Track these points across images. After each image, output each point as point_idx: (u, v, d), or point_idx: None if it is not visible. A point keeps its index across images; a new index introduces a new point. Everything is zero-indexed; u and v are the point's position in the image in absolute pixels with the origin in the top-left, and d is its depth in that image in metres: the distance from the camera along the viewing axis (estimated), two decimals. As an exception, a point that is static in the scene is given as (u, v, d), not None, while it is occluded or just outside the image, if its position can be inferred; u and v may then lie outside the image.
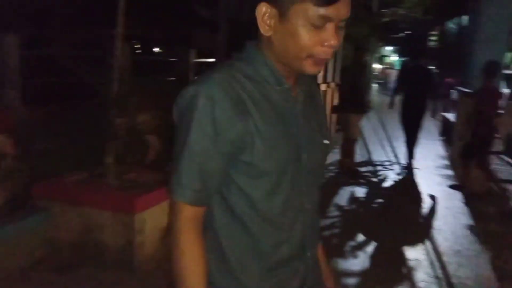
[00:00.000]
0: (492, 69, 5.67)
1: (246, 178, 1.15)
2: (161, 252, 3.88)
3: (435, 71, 32.86)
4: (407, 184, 6.56)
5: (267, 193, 1.16)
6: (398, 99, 7.55)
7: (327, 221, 4.85)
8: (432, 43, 39.85)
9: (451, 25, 36.75)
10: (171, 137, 4.08)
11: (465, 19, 35.66)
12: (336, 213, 5.14)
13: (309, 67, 1.11)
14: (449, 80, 21.28)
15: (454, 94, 18.04)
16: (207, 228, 1.20)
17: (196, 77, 7.16)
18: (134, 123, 4.66)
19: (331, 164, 7.02)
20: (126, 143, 4.32)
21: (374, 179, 6.79)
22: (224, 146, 1.10)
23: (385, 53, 38.28)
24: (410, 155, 7.35)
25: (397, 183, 6.58)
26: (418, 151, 8.55)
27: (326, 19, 1.05)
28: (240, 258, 1.19)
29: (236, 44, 1.32)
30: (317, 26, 1.05)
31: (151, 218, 3.72)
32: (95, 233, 3.62)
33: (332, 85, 8.32)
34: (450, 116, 10.37)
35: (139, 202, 3.58)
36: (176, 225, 1.16)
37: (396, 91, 7.75)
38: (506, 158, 8.02)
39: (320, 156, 1.29)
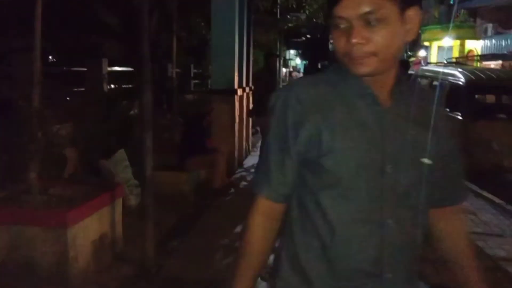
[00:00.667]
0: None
1: (317, 180, 1.17)
2: (95, 265, 3.80)
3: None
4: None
5: (336, 199, 1.15)
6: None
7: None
8: (331, 46, 41.98)
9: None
10: (87, 149, 3.99)
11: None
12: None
13: (351, 66, 1.12)
14: None
15: None
16: (285, 227, 1.28)
17: (110, 87, 6.86)
18: (50, 136, 4.49)
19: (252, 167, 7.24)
20: (44, 158, 4.15)
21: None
22: (296, 147, 1.17)
23: (289, 57, 39.52)
24: None
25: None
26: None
27: (340, 18, 1.09)
28: (311, 261, 1.21)
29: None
30: (338, 26, 1.11)
31: (83, 232, 3.63)
32: (24, 251, 3.45)
33: (247, 89, 8.54)
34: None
35: (70, 216, 3.48)
36: (251, 211, 1.29)
37: None
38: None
39: (415, 173, 1.18)
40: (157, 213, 4.02)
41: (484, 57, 17.37)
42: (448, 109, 8.53)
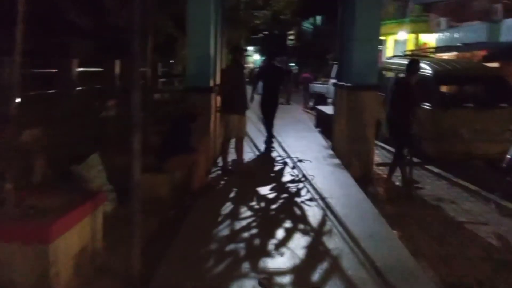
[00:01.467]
0: (414, 67, 6.21)
1: None
2: (77, 281, 3.44)
3: (294, 67, 34.73)
4: (301, 178, 6.70)
5: None
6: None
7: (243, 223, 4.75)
8: (290, 42, 42.20)
9: (307, 25, 39.35)
10: (58, 154, 3.60)
11: (318, 19, 38.11)
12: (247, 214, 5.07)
13: None
14: (306, 75, 22.78)
15: (314, 88, 19.50)
16: None
17: (80, 88, 6.40)
18: (18, 142, 4.10)
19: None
20: (12, 165, 3.76)
21: (269, 174, 6.85)
22: None
23: (249, 53, 39.34)
24: (270, 134, 8.60)
25: (292, 179, 6.68)
26: (304, 144, 8.93)
27: None
28: None
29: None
30: None
31: (65, 246, 3.28)
32: (1, 271, 3.07)
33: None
34: (325, 109, 10.99)
35: (51, 230, 3.11)
36: None
37: (254, 87, 8.63)
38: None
39: None
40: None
41: (438, 49, 17.68)
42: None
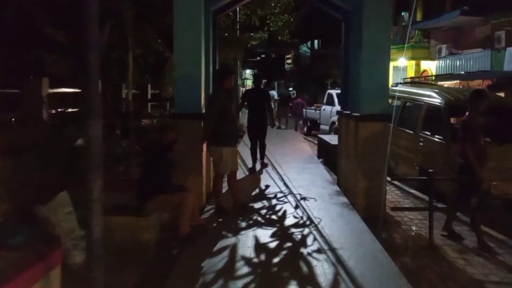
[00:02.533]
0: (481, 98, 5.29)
1: None
2: None
3: (291, 91, 34.25)
4: (306, 221, 5.83)
5: None
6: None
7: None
8: (288, 66, 41.76)
9: (304, 48, 38.91)
10: (20, 192, 2.60)
11: (316, 42, 37.71)
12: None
13: None
14: (298, 100, 22.07)
15: (307, 113, 18.94)
16: None
17: (51, 111, 5.47)
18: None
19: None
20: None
21: (269, 215, 5.97)
22: None
23: (245, 76, 38.85)
24: (254, 160, 8.77)
25: (296, 221, 5.81)
26: (308, 178, 8.07)
27: None
28: None
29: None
30: None
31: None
32: None
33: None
34: (328, 139, 10.17)
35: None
36: None
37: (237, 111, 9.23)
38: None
39: None
40: (111, 271, 2.85)
41: (439, 77, 17.06)
42: (428, 132, 7.86)
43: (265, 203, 6.49)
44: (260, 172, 8.70)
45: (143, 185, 4.72)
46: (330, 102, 16.41)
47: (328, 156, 9.57)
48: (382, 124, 5.96)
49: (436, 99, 7.69)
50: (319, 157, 10.70)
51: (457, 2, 17.25)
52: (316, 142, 12.20)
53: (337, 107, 15.38)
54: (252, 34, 13.19)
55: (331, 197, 6.75)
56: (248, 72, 40.62)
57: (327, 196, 6.84)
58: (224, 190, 6.16)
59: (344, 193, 6.89)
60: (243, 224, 5.46)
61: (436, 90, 8.14)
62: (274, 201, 6.58)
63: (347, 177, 6.90)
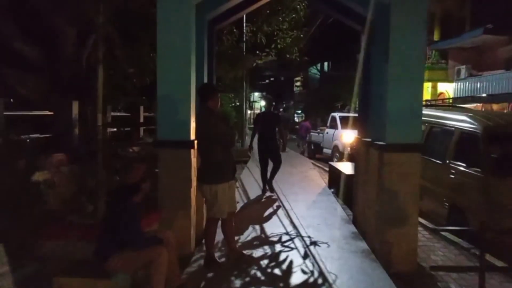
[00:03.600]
0: None
1: None
2: None
3: (300, 114, 33.19)
4: (318, 279, 4.61)
5: None
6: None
7: None
8: (297, 89, 40.76)
9: (314, 70, 37.92)
10: None
11: (326, 64, 36.84)
12: None
13: None
14: (305, 123, 21.07)
15: (311, 137, 18.13)
16: None
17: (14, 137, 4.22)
18: None
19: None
20: None
21: (271, 269, 4.76)
22: None
23: (254, 99, 38.03)
24: (265, 185, 8.64)
25: (305, 279, 4.60)
26: (318, 214, 6.88)
27: None
28: None
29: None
30: None
31: None
32: None
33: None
34: (341, 167, 8.97)
35: None
36: None
37: (253, 134, 8.91)
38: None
39: None
40: None
41: (458, 99, 15.89)
42: (461, 163, 6.63)
43: (267, 249, 5.25)
44: (266, 203, 7.79)
45: (103, 238, 3.56)
46: (334, 126, 15.99)
47: (340, 186, 8.36)
48: (414, 156, 4.78)
49: (471, 125, 6.49)
50: (330, 187, 9.48)
51: (477, 22, 16.21)
52: (327, 169, 11.04)
53: (340, 131, 14.64)
54: (257, 52, 12.14)
55: (347, 242, 5.52)
56: (256, 94, 39.71)
57: (343, 240, 5.61)
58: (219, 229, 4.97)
59: (363, 236, 5.68)
60: (238, 283, 4.25)
61: (470, 114, 6.94)
62: (278, 247, 5.35)
63: (366, 216, 5.69)
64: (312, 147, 18.40)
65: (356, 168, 6.56)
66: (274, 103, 11.71)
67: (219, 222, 4.78)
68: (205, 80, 5.93)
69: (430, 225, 6.46)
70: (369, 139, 5.64)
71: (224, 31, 10.54)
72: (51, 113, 5.55)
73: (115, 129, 7.43)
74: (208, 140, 4.51)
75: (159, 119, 4.83)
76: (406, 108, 4.79)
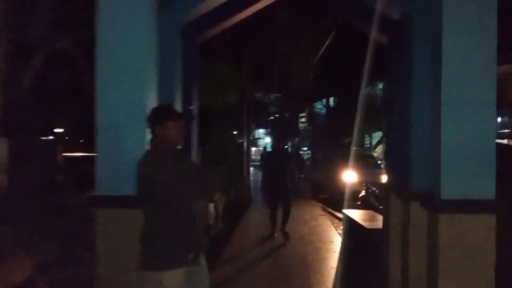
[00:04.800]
0: None
1: None
2: None
3: (306, 151, 31.65)
4: None
5: None
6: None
7: None
8: (302, 125, 39.26)
9: (319, 106, 36.51)
10: None
11: (330, 100, 35.57)
12: None
13: None
14: None
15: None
16: None
17: None
18: None
19: None
20: None
21: None
22: None
23: (258, 136, 36.67)
24: (274, 224, 7.98)
25: None
26: None
27: None
28: None
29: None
30: None
31: None
32: None
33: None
34: (359, 217, 7.14)
35: None
36: None
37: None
38: None
39: None
40: None
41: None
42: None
43: None
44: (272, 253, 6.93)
45: None
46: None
47: (361, 245, 6.52)
48: (487, 218, 3.06)
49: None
50: (346, 243, 7.59)
51: None
52: (340, 216, 9.27)
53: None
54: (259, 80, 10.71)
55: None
56: (261, 131, 38.31)
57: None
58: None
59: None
60: None
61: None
62: None
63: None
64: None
65: (386, 225, 4.82)
66: (288, 140, 12.37)
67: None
68: (179, 107, 4.26)
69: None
70: (406, 190, 3.95)
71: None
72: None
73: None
74: (149, 200, 2.73)
75: (97, 167, 3.13)
76: (472, 145, 3.12)
